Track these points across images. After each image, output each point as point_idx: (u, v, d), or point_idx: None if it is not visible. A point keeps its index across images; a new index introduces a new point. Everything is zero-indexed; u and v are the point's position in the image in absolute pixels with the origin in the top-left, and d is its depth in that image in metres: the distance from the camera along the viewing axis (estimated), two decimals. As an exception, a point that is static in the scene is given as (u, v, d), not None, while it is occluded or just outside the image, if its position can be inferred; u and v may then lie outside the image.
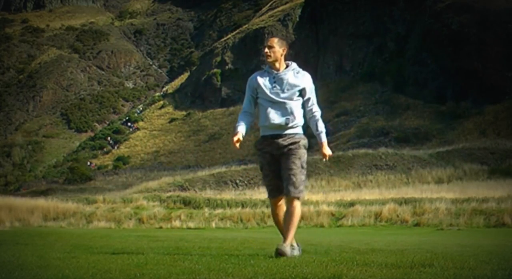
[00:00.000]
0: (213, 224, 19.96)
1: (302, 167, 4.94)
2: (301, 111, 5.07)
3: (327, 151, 5.12)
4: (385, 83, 64.93)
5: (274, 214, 5.15)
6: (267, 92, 5.00)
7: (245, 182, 36.11)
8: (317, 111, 5.14)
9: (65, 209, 22.63)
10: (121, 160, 74.42)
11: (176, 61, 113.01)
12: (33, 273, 3.93)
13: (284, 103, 4.96)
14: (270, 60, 5.12)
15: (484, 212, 17.94)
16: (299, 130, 5.04)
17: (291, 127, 4.99)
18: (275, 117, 4.95)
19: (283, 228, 5.00)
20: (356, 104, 63.76)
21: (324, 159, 5.20)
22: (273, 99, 4.97)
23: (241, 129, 5.06)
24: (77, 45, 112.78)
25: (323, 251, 5.89)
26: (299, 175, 4.90)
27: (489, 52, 55.86)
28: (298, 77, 5.07)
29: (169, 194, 27.10)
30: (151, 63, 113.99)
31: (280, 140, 4.97)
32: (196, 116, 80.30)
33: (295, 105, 5.01)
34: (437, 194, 22.91)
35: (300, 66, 5.35)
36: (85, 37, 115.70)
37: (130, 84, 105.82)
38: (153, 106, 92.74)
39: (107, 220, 21.40)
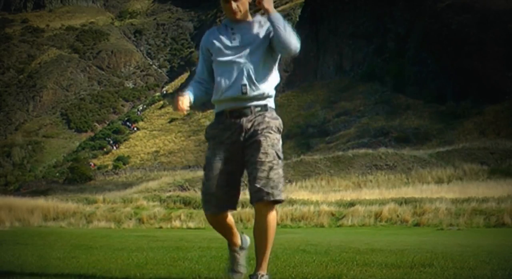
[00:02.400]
0: (213, 224, 19.91)
1: (279, 158, 3.35)
2: (274, 77, 3.46)
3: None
4: (385, 83, 64.92)
5: (216, 227, 3.61)
6: (222, 49, 3.42)
7: (245, 182, 36.06)
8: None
9: (65, 209, 22.62)
10: (121, 160, 74.44)
11: (176, 61, 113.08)
12: (33, 273, 3.93)
13: (245, 63, 3.38)
14: (239, 17, 3.42)
15: (484, 212, 17.94)
16: (270, 103, 3.45)
17: (256, 98, 3.38)
18: (229, 84, 3.37)
19: (231, 233, 3.64)
20: (356, 104, 63.73)
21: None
22: (228, 58, 3.40)
23: (189, 93, 3.48)
24: (77, 45, 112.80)
25: (323, 251, 5.89)
26: (276, 169, 3.30)
27: (489, 52, 55.85)
28: (265, 25, 3.45)
29: (169, 194, 27.09)
30: (151, 63, 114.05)
31: (243, 121, 3.37)
32: (196, 116, 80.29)
33: (262, 66, 3.40)
34: (437, 194, 22.91)
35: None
36: (85, 37, 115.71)
37: (130, 84, 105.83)
38: (153, 106, 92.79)
39: (107, 220, 21.39)
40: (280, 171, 3.33)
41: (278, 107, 3.82)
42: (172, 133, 78.76)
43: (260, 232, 3.32)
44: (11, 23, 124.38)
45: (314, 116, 64.62)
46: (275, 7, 3.61)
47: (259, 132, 3.35)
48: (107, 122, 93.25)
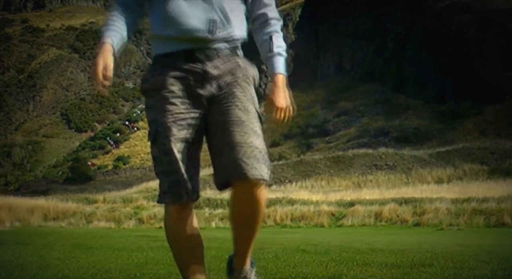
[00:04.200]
0: (213, 224, 19.94)
1: (260, 119, 2.35)
2: (244, 20, 2.45)
3: (280, 99, 2.47)
4: (385, 83, 64.95)
5: (174, 232, 2.49)
6: None
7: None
8: (274, 18, 2.48)
9: (65, 209, 22.62)
10: (121, 160, 74.44)
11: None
12: (33, 273, 3.93)
13: None
14: None
15: (484, 212, 17.94)
16: (239, 46, 2.44)
17: (226, 41, 2.35)
18: (190, 16, 2.30)
19: (192, 258, 2.44)
20: (356, 104, 63.75)
21: (275, 125, 2.44)
22: None
23: (111, 39, 2.34)
24: (77, 45, 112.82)
25: (323, 251, 5.89)
26: (259, 135, 2.29)
27: (489, 52, 55.87)
28: None
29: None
30: (151, 63, 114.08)
31: (208, 67, 2.33)
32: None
33: (236, 1, 2.39)
34: (437, 194, 22.90)
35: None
36: (85, 37, 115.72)
37: (130, 84, 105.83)
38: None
39: (107, 220, 21.39)
40: (262, 134, 2.30)
41: None
42: (172, 133, 78.69)
43: (244, 217, 2.31)
44: (11, 23, 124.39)
45: (314, 116, 64.62)
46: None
47: (232, 82, 2.33)
48: (107, 122, 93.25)
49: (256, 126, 2.30)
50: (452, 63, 57.00)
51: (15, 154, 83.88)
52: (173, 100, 2.30)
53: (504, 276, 3.69)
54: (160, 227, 20.15)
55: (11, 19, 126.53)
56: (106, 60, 2.31)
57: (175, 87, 2.31)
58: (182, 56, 2.32)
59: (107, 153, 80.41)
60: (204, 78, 2.32)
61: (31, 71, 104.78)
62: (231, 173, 2.23)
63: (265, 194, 2.30)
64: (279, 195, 26.02)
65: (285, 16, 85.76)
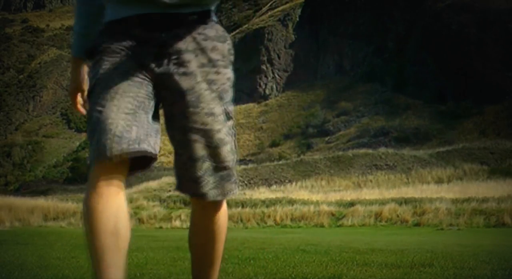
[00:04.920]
0: (213, 224, 19.91)
1: (228, 117, 1.84)
2: None
3: None
4: (385, 83, 64.95)
5: (92, 210, 1.65)
6: None
7: (245, 182, 36.08)
8: None
9: (65, 209, 22.62)
10: (121, 160, 74.46)
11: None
12: (33, 273, 3.93)
13: None
14: None
15: (484, 212, 17.95)
16: (210, 10, 1.95)
17: (193, 5, 1.81)
18: None
19: (106, 255, 1.70)
20: (356, 104, 63.75)
21: None
22: None
23: (77, 49, 2.00)
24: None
25: (323, 251, 5.89)
26: (227, 142, 1.84)
27: (489, 52, 55.88)
28: None
29: (169, 194, 27.09)
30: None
31: (168, 37, 1.77)
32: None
33: None
34: (437, 194, 22.91)
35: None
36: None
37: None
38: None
39: (107, 220, 21.36)
40: (231, 140, 1.83)
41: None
42: (172, 133, 78.73)
43: (203, 239, 1.94)
44: (11, 23, 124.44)
45: (314, 116, 64.62)
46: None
47: (198, 65, 1.77)
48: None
49: (223, 132, 1.79)
50: (452, 63, 57.01)
51: (15, 154, 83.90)
52: (121, 61, 1.74)
53: (504, 276, 3.69)
54: (160, 227, 20.17)
55: (11, 19, 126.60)
56: (80, 87, 2.02)
57: (123, 58, 1.75)
58: (136, 22, 1.75)
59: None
60: (161, 50, 1.75)
61: (31, 71, 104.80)
62: (189, 188, 1.83)
63: (225, 213, 1.92)
64: (279, 195, 26.03)
65: (285, 16, 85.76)
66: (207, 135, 1.78)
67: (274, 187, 32.91)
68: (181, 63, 1.76)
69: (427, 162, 37.76)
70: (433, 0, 63.90)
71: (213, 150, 1.80)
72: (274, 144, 61.61)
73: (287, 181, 35.24)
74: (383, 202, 20.30)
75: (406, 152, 40.36)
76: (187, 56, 1.76)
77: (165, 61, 1.75)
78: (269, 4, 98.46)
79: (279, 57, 76.42)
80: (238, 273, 3.85)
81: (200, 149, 1.79)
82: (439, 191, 25.23)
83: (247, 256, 5.14)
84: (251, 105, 74.28)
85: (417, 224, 17.98)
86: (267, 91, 74.53)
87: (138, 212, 22.05)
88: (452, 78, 56.98)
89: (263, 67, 76.42)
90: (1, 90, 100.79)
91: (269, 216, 19.82)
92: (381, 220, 18.88)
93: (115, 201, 1.66)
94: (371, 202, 20.45)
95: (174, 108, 1.80)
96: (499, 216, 17.41)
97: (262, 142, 63.82)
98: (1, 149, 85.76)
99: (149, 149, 1.70)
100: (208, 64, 1.78)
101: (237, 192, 1.89)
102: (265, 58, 76.95)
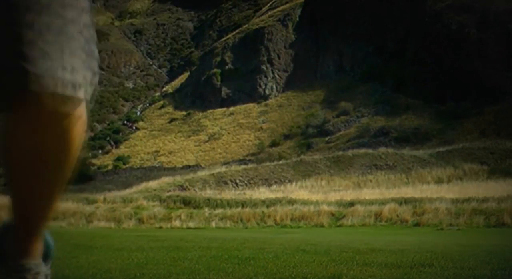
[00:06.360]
0: (213, 224, 19.94)
1: None
2: None
3: None
4: (385, 83, 64.96)
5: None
6: None
7: (245, 182, 36.09)
8: None
9: (65, 209, 22.61)
10: (121, 160, 74.46)
11: (176, 61, 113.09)
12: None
13: None
14: None
15: (484, 212, 17.94)
16: None
17: None
18: None
19: None
20: (356, 104, 63.75)
21: None
22: None
23: None
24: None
25: (323, 251, 5.89)
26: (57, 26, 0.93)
27: (489, 52, 55.88)
28: None
29: (169, 194, 27.09)
30: (151, 63, 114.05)
31: None
32: (196, 116, 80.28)
33: None
34: (437, 194, 22.90)
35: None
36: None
37: (130, 84, 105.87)
38: (153, 106, 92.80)
39: (107, 220, 21.38)
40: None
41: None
42: (172, 133, 78.74)
43: (37, 155, 1.06)
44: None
45: (314, 116, 64.62)
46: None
47: None
48: (107, 122, 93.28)
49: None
50: (452, 63, 57.02)
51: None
52: None
53: (504, 276, 3.69)
54: (160, 227, 20.16)
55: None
56: None
57: None
58: None
59: (107, 153, 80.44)
60: None
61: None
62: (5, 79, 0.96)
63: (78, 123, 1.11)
64: (279, 195, 26.02)
65: (285, 16, 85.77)
66: None
67: (274, 187, 32.92)
68: None
69: (427, 162, 37.76)
70: (433, 0, 63.91)
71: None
72: (274, 144, 61.62)
73: (287, 181, 35.24)
74: (383, 202, 20.29)
75: (406, 152, 40.35)
76: None
77: None
78: (269, 4, 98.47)
79: (279, 57, 76.42)
80: (238, 273, 3.85)
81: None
82: (439, 191, 25.23)
83: (247, 256, 5.14)
84: (251, 105, 74.31)
85: (417, 224, 17.97)
86: (267, 91, 74.53)
87: (138, 212, 22.04)
88: (452, 78, 56.99)
89: (263, 67, 76.42)
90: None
91: (269, 216, 19.82)
92: (381, 220, 18.87)
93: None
94: (371, 202, 20.44)
95: None
96: (499, 216, 17.40)
97: (262, 142, 63.84)
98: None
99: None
100: None
101: (94, 90, 1.11)
102: (265, 58, 76.95)
